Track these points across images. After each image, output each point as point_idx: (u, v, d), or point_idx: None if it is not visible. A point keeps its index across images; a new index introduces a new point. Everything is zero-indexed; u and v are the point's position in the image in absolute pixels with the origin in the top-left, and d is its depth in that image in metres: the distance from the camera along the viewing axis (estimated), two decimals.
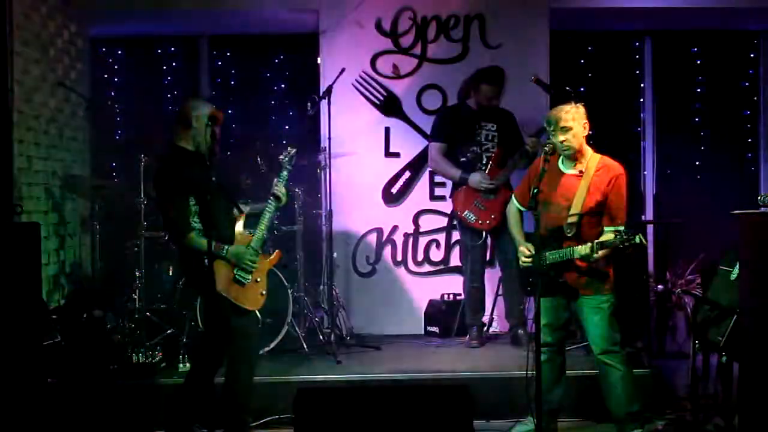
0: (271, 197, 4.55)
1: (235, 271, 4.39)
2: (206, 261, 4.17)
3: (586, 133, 4.38)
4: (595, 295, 4.37)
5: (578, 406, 4.83)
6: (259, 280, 4.47)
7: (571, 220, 4.30)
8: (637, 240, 4.09)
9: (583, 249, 4.23)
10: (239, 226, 4.51)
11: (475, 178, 5.75)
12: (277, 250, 4.71)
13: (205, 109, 4.37)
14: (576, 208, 4.32)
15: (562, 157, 4.42)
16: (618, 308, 4.41)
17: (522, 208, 4.61)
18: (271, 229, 4.87)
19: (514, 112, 5.99)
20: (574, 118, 4.31)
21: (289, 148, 4.67)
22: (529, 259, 4.41)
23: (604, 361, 4.39)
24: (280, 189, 4.57)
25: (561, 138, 4.31)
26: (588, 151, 4.42)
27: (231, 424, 4.49)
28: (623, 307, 5.32)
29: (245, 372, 4.55)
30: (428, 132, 6.38)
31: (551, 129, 4.33)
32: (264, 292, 4.50)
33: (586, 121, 4.37)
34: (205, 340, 4.56)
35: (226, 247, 4.36)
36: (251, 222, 4.60)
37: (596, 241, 4.22)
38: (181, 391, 4.40)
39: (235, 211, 4.56)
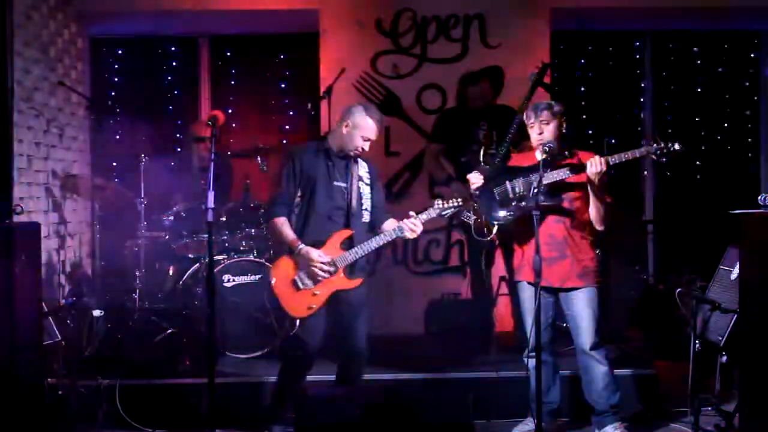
0: (399, 227, 4.37)
1: (297, 273, 4.32)
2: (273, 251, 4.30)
3: (563, 131, 4.43)
4: (587, 287, 4.41)
5: (578, 406, 4.83)
6: (317, 293, 4.32)
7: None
8: (678, 147, 4.13)
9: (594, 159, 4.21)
10: (338, 238, 4.37)
11: (455, 189, 5.80)
12: (360, 278, 4.41)
13: (359, 120, 4.37)
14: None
15: (539, 151, 4.48)
16: (616, 308, 4.43)
17: None
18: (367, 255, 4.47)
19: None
20: (553, 114, 4.38)
21: (453, 201, 4.41)
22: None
23: (593, 356, 4.43)
24: (415, 225, 4.37)
25: (538, 131, 4.39)
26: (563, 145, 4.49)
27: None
28: (622, 306, 5.34)
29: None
30: (428, 132, 6.40)
31: (530, 122, 4.41)
32: (314, 306, 4.33)
33: (565, 119, 4.44)
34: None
35: (300, 246, 4.30)
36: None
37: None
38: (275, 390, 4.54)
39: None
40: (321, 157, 4.43)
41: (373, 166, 4.61)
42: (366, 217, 4.47)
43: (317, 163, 4.40)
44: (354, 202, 4.43)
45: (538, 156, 4.47)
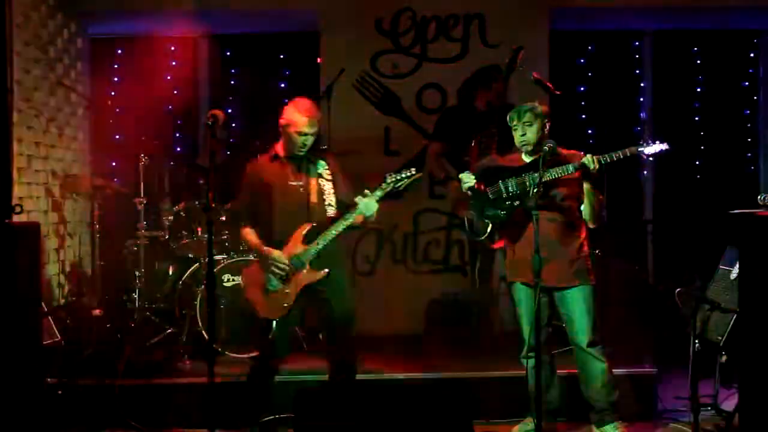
0: (352, 210, 4.36)
1: (267, 276, 4.37)
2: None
3: (546, 132, 4.44)
4: (582, 285, 4.42)
5: (577, 406, 4.83)
6: (288, 291, 4.37)
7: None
8: (665, 146, 4.18)
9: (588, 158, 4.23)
10: (299, 233, 4.39)
11: (451, 188, 5.83)
12: (325, 270, 4.40)
13: (288, 117, 4.43)
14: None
15: (523, 153, 4.51)
16: (615, 308, 4.44)
17: None
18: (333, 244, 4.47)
19: None
20: (536, 116, 4.39)
21: (405, 172, 4.35)
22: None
23: (591, 354, 4.43)
24: (368, 204, 4.33)
25: (521, 132, 4.42)
26: None
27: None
28: (622, 306, 5.31)
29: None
30: (428, 131, 6.41)
31: (514, 124, 4.43)
32: (287, 305, 4.37)
33: (548, 119, 4.44)
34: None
35: (264, 248, 4.39)
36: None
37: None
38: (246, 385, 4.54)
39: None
40: (274, 163, 4.49)
41: (333, 160, 4.63)
42: (331, 212, 4.49)
43: (271, 169, 4.47)
44: (314, 198, 4.45)
45: (525, 158, 4.48)
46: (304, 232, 4.40)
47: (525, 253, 4.37)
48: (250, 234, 4.47)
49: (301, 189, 4.45)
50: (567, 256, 4.42)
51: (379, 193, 4.37)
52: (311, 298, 4.46)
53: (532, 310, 4.30)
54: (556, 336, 4.77)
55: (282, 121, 4.47)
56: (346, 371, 4.54)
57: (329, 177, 4.52)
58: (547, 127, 4.45)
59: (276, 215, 4.44)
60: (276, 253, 4.38)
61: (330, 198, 4.50)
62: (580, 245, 4.46)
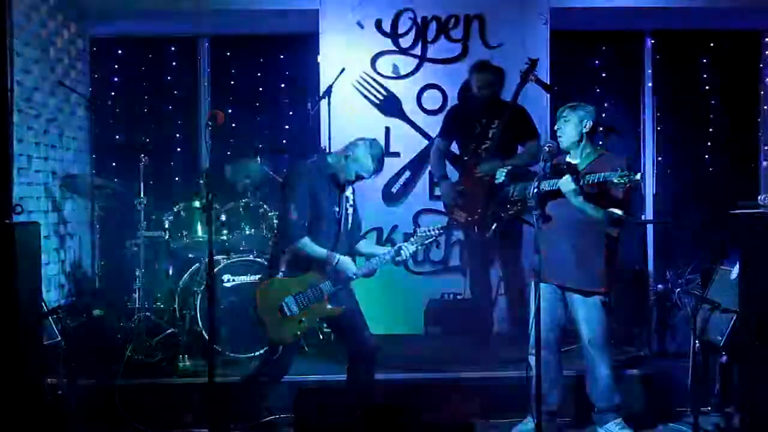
0: (385, 258, 4.37)
1: (285, 298, 4.28)
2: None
3: (585, 130, 4.41)
4: (595, 293, 4.41)
5: (578, 406, 4.83)
6: (303, 320, 4.30)
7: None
8: (638, 177, 4.08)
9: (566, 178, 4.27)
10: (324, 264, 4.32)
11: (442, 189, 5.83)
12: (343, 306, 4.40)
13: (365, 160, 4.33)
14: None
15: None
16: (616, 307, 4.44)
17: None
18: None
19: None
20: (572, 111, 4.41)
21: (433, 228, 4.40)
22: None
23: (596, 357, 4.46)
24: (402, 255, 4.36)
25: (558, 134, 4.45)
26: (587, 147, 4.46)
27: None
28: (622, 306, 5.32)
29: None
30: (428, 132, 6.42)
31: (557, 125, 4.49)
32: (298, 334, 4.33)
33: (587, 119, 4.40)
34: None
35: (337, 257, 4.29)
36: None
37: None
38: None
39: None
40: (325, 181, 4.37)
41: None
42: (344, 241, 4.45)
43: (323, 187, 4.34)
44: (342, 228, 4.43)
45: (570, 158, 4.48)
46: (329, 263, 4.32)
47: (549, 255, 4.34)
48: (313, 244, 4.26)
49: (337, 217, 4.39)
50: (582, 259, 4.39)
51: (411, 248, 4.38)
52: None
53: (547, 311, 4.32)
54: (563, 335, 4.76)
55: (347, 153, 4.36)
56: (364, 381, 4.51)
57: (354, 205, 4.50)
58: (587, 125, 4.40)
59: (315, 238, 4.31)
60: (351, 262, 4.34)
61: (349, 226, 4.48)
62: (597, 249, 4.41)
